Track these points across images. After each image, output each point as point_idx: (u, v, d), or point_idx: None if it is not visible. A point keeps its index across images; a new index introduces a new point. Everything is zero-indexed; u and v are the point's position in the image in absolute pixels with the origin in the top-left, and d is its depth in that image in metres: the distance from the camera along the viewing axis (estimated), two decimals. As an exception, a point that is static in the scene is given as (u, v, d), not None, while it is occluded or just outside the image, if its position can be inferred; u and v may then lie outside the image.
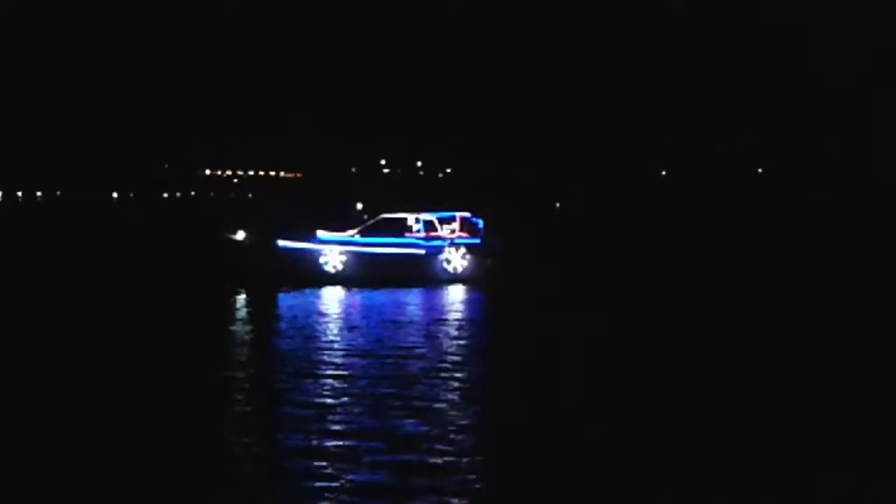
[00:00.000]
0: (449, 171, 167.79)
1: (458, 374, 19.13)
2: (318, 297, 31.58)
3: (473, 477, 12.76)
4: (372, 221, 35.89)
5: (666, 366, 20.06)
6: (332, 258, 34.96)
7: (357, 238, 35.28)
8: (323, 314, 27.98)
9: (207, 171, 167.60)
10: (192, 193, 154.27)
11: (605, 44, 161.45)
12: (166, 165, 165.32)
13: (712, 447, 14.12)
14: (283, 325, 25.98)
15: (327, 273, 34.73)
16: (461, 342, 23.25)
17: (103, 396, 17.00)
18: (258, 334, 24.86)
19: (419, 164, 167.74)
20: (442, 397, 17.20)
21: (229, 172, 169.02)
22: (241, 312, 29.21)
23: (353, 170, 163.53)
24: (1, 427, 15.12)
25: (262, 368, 19.94)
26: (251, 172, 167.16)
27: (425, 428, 15.00)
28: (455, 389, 17.88)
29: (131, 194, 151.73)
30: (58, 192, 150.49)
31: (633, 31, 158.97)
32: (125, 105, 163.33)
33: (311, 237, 35.23)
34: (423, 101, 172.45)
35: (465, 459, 13.42)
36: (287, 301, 30.68)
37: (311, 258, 34.90)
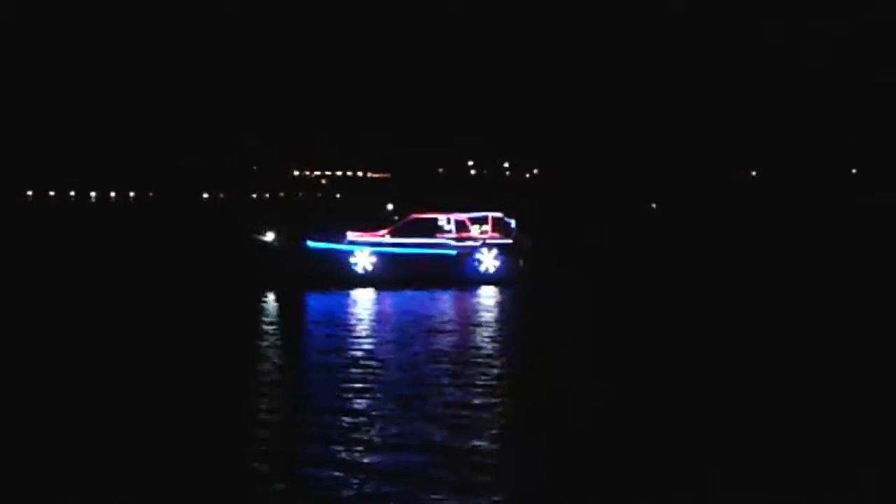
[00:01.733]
0: (536, 171, 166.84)
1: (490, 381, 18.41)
2: (348, 298, 31.19)
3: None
4: (403, 222, 35.44)
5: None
6: (362, 259, 34.56)
7: (387, 239, 34.85)
8: (351, 316, 27.62)
9: (296, 172, 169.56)
10: (281, 194, 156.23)
11: (692, 43, 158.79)
12: (255, 167, 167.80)
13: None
14: (310, 327, 25.69)
15: (357, 274, 34.36)
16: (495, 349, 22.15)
17: (113, 398, 16.71)
18: (285, 336, 24.39)
19: (506, 164, 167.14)
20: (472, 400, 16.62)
21: (318, 173, 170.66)
22: (270, 314, 28.90)
23: (440, 170, 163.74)
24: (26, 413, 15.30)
25: (288, 372, 19.42)
26: (339, 173, 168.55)
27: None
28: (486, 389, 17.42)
29: (221, 195, 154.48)
30: (150, 193, 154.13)
31: (726, 26, 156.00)
32: (217, 108, 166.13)
33: (341, 238, 34.90)
34: (513, 102, 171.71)
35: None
36: (316, 302, 30.45)
37: (340, 259, 34.54)
